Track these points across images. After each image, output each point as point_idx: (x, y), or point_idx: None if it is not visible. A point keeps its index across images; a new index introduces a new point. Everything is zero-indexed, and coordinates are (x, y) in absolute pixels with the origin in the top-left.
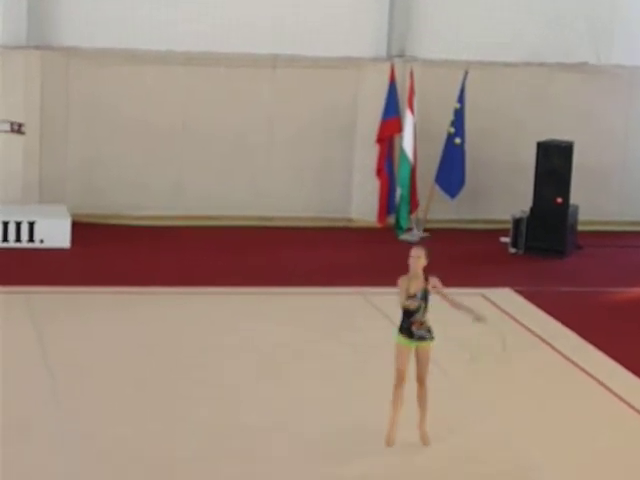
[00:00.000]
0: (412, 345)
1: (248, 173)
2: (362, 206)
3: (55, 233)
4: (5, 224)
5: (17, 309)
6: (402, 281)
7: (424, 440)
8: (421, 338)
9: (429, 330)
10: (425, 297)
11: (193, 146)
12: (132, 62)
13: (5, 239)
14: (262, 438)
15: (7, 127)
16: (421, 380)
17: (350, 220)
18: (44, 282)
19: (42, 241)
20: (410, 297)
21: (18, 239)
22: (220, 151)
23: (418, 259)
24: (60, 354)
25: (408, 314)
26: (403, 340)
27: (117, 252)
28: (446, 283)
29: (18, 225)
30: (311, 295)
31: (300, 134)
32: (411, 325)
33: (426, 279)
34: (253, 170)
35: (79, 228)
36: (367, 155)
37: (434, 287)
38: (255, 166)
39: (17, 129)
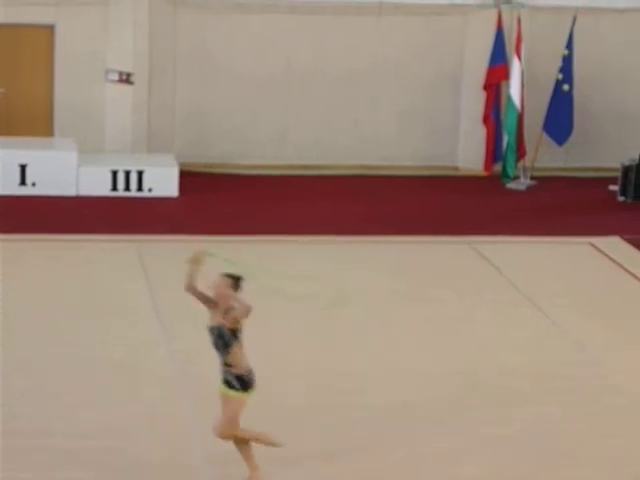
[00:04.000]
0: (225, 392)
1: (353, 122)
2: (468, 154)
3: (163, 182)
4: (114, 173)
5: (127, 257)
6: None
7: None
8: (227, 383)
9: (243, 379)
10: (221, 335)
11: (298, 95)
12: (238, 11)
13: (114, 188)
14: (371, 382)
15: (116, 77)
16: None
17: (456, 168)
18: (153, 230)
19: (150, 190)
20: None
21: (127, 188)
22: (324, 100)
23: (215, 288)
24: (169, 300)
25: None
26: (220, 386)
27: (224, 201)
28: (554, 232)
29: (127, 174)
30: (417, 244)
31: (405, 82)
32: (222, 365)
33: (226, 312)
34: (358, 118)
35: (187, 177)
36: (474, 102)
37: (233, 320)
38: (360, 114)
39: (126, 79)
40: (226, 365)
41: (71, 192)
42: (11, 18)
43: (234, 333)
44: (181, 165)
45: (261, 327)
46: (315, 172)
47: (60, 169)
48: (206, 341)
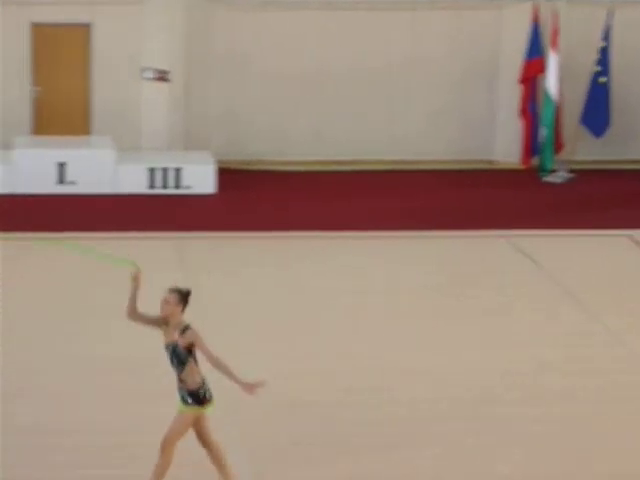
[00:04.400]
0: (182, 409)
1: (387, 117)
2: (505, 147)
3: (201, 179)
4: (152, 171)
5: (166, 254)
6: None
7: None
8: (183, 400)
9: (193, 394)
10: (176, 353)
11: (332, 92)
12: (273, 9)
13: (152, 186)
14: (404, 378)
15: (152, 74)
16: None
17: (492, 162)
18: (192, 227)
19: (188, 187)
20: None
21: (165, 185)
22: (359, 95)
23: (165, 304)
24: (209, 295)
25: None
26: (178, 403)
27: (261, 197)
28: (592, 225)
29: (165, 172)
30: (453, 238)
31: (441, 76)
32: (177, 381)
33: (183, 331)
34: (392, 113)
35: (224, 174)
36: (510, 96)
37: (190, 343)
38: (395, 109)
39: (162, 76)
40: (180, 381)
41: (109, 190)
42: (48, 17)
43: (189, 350)
44: (218, 162)
45: (289, 323)
46: (350, 168)
47: (98, 167)
48: (245, 335)
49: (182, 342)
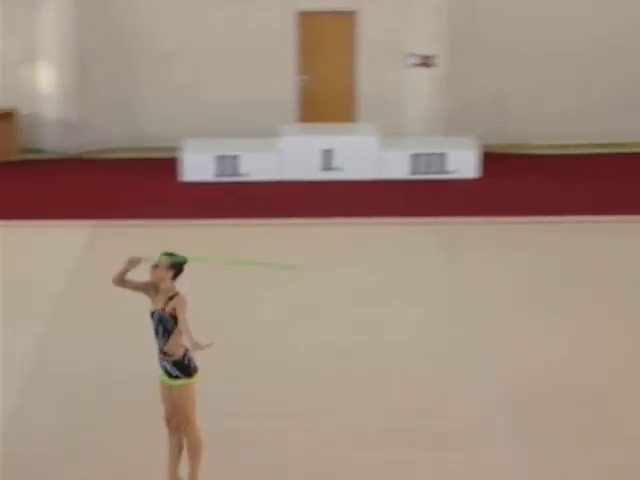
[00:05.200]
0: (166, 382)
1: None
2: None
3: (464, 164)
4: (415, 156)
5: (428, 239)
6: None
7: None
8: (167, 373)
9: (182, 365)
10: (162, 321)
11: (600, 72)
12: None
13: (415, 171)
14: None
15: (416, 60)
16: (181, 429)
17: None
18: (454, 212)
19: (452, 172)
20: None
21: (427, 171)
22: (629, 76)
23: (154, 269)
24: (469, 282)
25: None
26: (160, 374)
27: (524, 181)
28: None
29: (428, 157)
30: None
31: None
32: (159, 352)
33: (170, 298)
34: None
35: (488, 158)
36: None
37: (174, 309)
38: None
39: (426, 62)
40: (163, 353)
41: (373, 176)
42: (314, 5)
43: (175, 318)
44: (483, 147)
45: (557, 309)
46: (616, 150)
47: (362, 154)
48: (505, 324)
49: (168, 308)
